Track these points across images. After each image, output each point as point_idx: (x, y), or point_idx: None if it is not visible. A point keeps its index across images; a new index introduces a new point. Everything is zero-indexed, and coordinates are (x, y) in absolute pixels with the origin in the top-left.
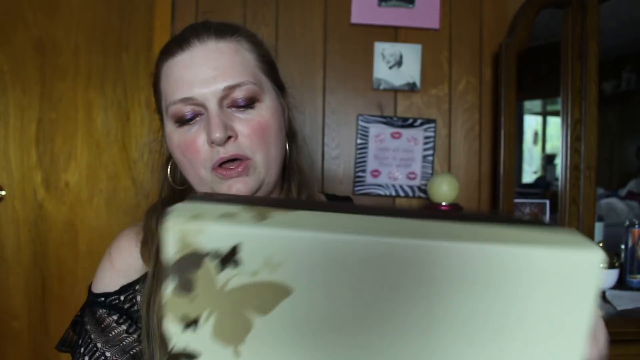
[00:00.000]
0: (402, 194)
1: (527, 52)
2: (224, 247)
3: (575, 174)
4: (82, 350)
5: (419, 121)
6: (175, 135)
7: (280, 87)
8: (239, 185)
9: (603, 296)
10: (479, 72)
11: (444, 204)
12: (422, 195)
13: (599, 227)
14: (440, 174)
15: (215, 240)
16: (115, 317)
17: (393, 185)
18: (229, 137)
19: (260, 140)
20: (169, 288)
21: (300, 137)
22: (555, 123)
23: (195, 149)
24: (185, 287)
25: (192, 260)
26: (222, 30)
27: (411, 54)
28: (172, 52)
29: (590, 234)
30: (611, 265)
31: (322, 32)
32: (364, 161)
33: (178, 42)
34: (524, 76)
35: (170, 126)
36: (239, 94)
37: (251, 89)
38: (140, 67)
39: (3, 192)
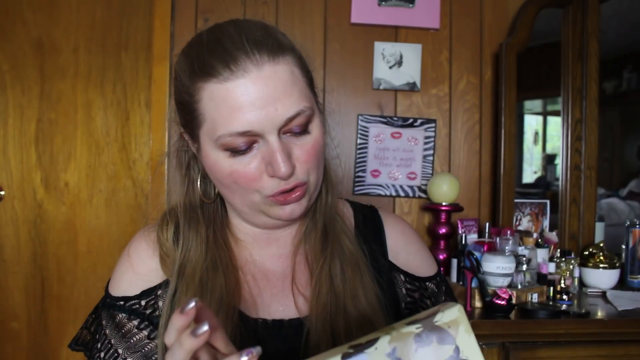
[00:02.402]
0: (402, 194)
1: (528, 51)
2: None
3: (576, 174)
4: (102, 355)
5: (419, 121)
6: (227, 164)
7: (313, 82)
8: (294, 207)
9: (604, 296)
10: (479, 72)
11: (444, 204)
12: (422, 195)
13: (599, 227)
14: (440, 174)
15: None
16: (135, 323)
17: (393, 185)
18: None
19: (314, 163)
20: None
21: (327, 133)
22: (555, 123)
23: (251, 177)
24: None
25: None
26: (274, 48)
27: (411, 54)
28: (218, 73)
29: (590, 234)
30: (612, 266)
31: (322, 32)
32: (364, 161)
33: (225, 62)
34: (524, 76)
35: (217, 154)
36: (297, 122)
37: (307, 114)
38: (140, 67)
39: (2, 192)
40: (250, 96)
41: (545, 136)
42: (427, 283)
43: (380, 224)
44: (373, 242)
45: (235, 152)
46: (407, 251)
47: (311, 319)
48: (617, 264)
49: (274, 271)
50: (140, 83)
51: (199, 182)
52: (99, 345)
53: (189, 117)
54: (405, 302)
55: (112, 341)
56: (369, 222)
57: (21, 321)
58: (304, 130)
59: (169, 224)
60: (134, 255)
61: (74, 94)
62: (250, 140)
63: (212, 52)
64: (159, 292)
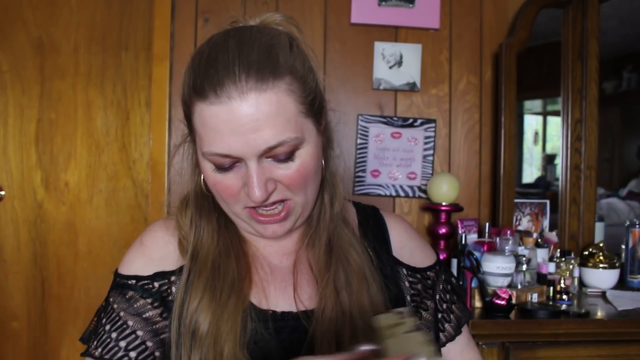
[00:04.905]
0: (402, 194)
1: (528, 51)
2: None
3: (576, 173)
4: (107, 327)
5: (419, 121)
6: (212, 175)
7: (320, 110)
8: (275, 228)
9: (604, 296)
10: (479, 72)
11: (444, 203)
12: (422, 195)
13: (599, 227)
14: (440, 174)
15: None
16: (149, 300)
17: (393, 185)
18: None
19: (300, 186)
20: None
21: (334, 141)
22: (555, 123)
23: (232, 192)
24: None
25: None
26: (265, 75)
27: (411, 54)
28: (205, 95)
29: (590, 234)
30: (612, 266)
31: (322, 32)
32: (364, 161)
33: (212, 85)
34: (524, 76)
35: (205, 163)
36: (280, 150)
37: (292, 144)
38: (140, 67)
39: (3, 192)
40: (230, 123)
41: (545, 136)
42: (428, 272)
43: (383, 222)
44: (376, 239)
45: (219, 168)
46: (410, 247)
47: (316, 334)
48: (617, 264)
49: (280, 267)
50: (140, 83)
51: (202, 177)
52: (103, 321)
53: (186, 123)
54: (409, 294)
55: (121, 314)
56: (372, 220)
57: (21, 321)
58: (288, 157)
59: (187, 209)
60: (149, 242)
61: (74, 93)
62: (233, 160)
63: (206, 70)
64: (173, 278)
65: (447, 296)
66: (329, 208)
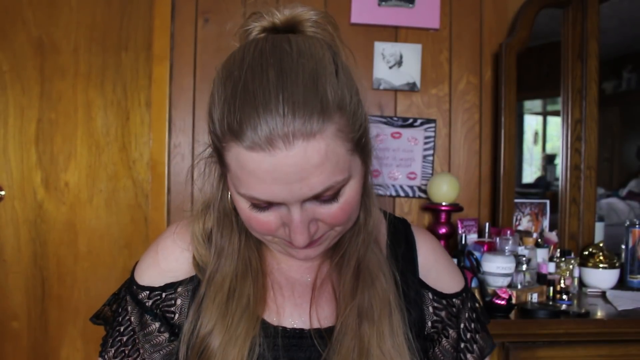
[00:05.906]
0: (402, 194)
1: (528, 51)
2: None
3: (576, 173)
4: (124, 339)
5: (419, 121)
6: (246, 209)
7: (367, 141)
8: (308, 252)
9: (604, 296)
10: (479, 72)
11: (444, 203)
12: (422, 195)
13: (599, 227)
14: (440, 174)
15: None
16: (157, 325)
17: (393, 185)
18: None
19: (343, 222)
20: None
21: (373, 150)
22: (555, 123)
23: (269, 228)
24: None
25: None
26: (312, 118)
27: (411, 54)
28: (243, 138)
29: (590, 234)
30: (611, 266)
31: None
32: None
33: (253, 126)
34: (524, 76)
35: (238, 197)
36: (326, 194)
37: (339, 187)
38: (140, 67)
39: (3, 192)
40: (274, 172)
41: (545, 136)
42: (454, 299)
43: (413, 240)
44: (404, 259)
45: (256, 206)
46: (437, 269)
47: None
48: (617, 264)
49: (300, 281)
50: (140, 83)
51: (229, 195)
52: (122, 329)
53: (216, 153)
54: (431, 320)
55: (135, 335)
56: (401, 237)
57: (21, 321)
58: (333, 198)
59: (207, 221)
60: (162, 253)
61: (74, 94)
62: (273, 204)
63: (243, 107)
64: (179, 289)
65: (472, 325)
66: (363, 228)
